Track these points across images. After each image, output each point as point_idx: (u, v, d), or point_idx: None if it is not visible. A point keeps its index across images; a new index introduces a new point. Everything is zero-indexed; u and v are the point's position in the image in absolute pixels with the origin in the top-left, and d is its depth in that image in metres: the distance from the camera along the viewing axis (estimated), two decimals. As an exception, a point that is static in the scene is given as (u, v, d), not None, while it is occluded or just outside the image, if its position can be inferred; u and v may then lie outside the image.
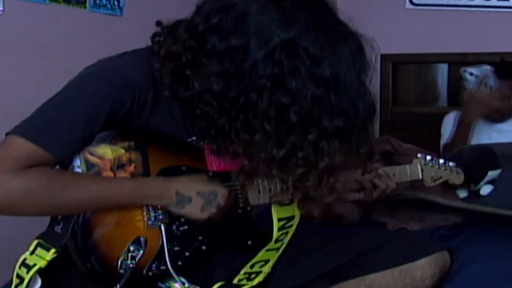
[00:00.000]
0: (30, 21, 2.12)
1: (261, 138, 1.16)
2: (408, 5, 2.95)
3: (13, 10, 2.04)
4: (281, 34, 1.13)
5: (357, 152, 1.23)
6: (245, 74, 1.14)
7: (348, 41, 1.18)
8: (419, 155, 1.86)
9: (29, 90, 2.07)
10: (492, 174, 2.13)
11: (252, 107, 1.15)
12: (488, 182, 2.17)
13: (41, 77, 2.13)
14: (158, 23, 1.30)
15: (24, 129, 1.17)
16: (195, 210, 1.27)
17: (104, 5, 2.37)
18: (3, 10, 2.01)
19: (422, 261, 1.39)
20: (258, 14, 1.15)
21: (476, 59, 2.80)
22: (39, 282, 1.23)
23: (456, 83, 2.94)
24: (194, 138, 1.33)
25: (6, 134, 1.18)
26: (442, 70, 3.00)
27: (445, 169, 1.88)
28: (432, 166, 1.86)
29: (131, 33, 2.44)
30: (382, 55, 2.78)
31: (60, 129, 1.17)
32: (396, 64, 2.97)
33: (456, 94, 2.88)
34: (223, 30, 1.15)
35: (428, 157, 1.86)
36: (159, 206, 1.27)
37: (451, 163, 1.90)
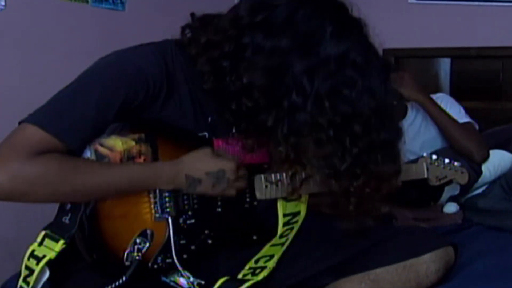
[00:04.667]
0: (32, 16, 2.12)
1: (323, 147, 1.17)
2: (411, -1, 2.95)
3: (15, 5, 2.04)
4: (335, 46, 1.16)
5: (390, 167, 1.25)
6: (290, 76, 1.15)
7: (381, 63, 1.22)
8: (424, 154, 1.86)
9: (31, 85, 2.07)
10: (449, 189, 2.14)
11: (303, 112, 1.16)
12: (453, 199, 2.20)
13: (43, 72, 2.13)
14: (192, 15, 1.31)
15: (36, 117, 1.17)
16: (207, 189, 1.29)
17: (106, 0, 2.37)
18: (4, 5, 2.00)
19: (427, 256, 1.39)
20: (308, 20, 1.17)
21: (478, 53, 2.79)
22: (47, 274, 1.24)
23: (459, 77, 2.93)
24: (205, 133, 1.33)
25: (19, 123, 1.18)
26: (445, 64, 2.99)
27: (450, 169, 1.88)
28: (437, 166, 1.85)
29: (134, 27, 2.44)
30: (384, 50, 2.76)
31: (72, 118, 1.17)
32: (398, 58, 2.97)
33: (459, 89, 2.89)
34: (270, 28, 1.16)
35: (434, 156, 1.86)
36: (170, 188, 1.28)
37: (456, 163, 1.90)
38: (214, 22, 1.24)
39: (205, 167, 1.28)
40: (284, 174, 1.38)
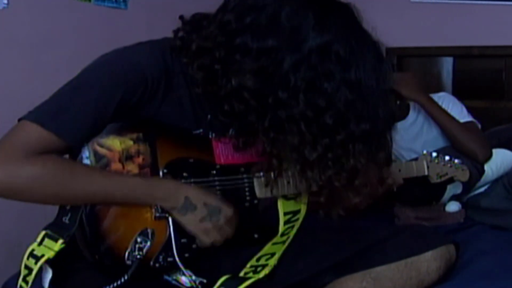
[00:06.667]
0: (34, 14, 2.12)
1: (295, 140, 1.18)
2: (413, -2, 2.94)
3: (17, 3, 2.04)
4: (316, 38, 1.16)
5: (376, 157, 1.25)
6: (279, 75, 1.16)
7: (371, 49, 1.21)
8: (425, 152, 1.87)
9: (33, 83, 2.08)
10: (452, 188, 2.14)
11: (283, 108, 1.17)
12: (456, 198, 2.20)
13: (45, 70, 2.13)
14: (181, 18, 1.31)
15: (36, 115, 1.18)
16: (195, 219, 1.28)
17: (109, -2, 2.37)
18: (7, 4, 2.01)
19: (428, 254, 1.39)
20: (292, 17, 1.17)
21: (481, 52, 2.79)
22: (50, 273, 1.24)
23: (461, 76, 2.93)
24: (201, 130, 1.34)
25: (19, 120, 1.19)
26: (447, 63, 2.98)
27: (450, 166, 1.88)
28: (438, 163, 1.86)
29: (136, 26, 2.44)
30: (387, 49, 2.77)
31: (71, 115, 1.18)
32: (401, 57, 2.96)
33: (461, 88, 2.88)
34: (256, 30, 1.17)
35: (434, 154, 1.86)
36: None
37: (456, 160, 1.90)
38: (204, 25, 1.24)
39: (205, 198, 1.29)
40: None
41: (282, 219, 1.45)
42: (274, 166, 1.26)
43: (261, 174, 1.38)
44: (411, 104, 2.38)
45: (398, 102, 2.30)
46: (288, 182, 1.40)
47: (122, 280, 1.24)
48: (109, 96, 1.20)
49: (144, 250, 1.26)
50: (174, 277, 1.34)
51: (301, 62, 1.15)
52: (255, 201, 1.41)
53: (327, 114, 1.16)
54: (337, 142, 1.18)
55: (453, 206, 2.21)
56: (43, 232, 1.25)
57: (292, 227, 1.45)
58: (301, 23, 1.16)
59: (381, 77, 1.21)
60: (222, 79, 1.20)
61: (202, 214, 1.28)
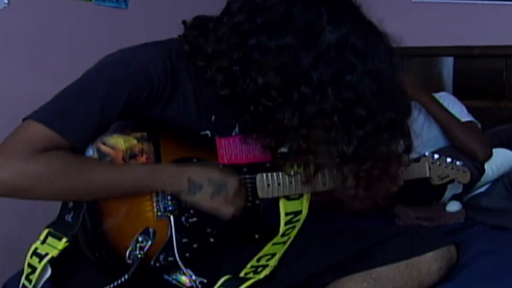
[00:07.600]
0: (35, 14, 2.12)
1: (330, 134, 1.19)
2: (413, -2, 2.94)
3: (18, 3, 2.04)
4: (333, 32, 1.17)
5: (399, 145, 1.27)
6: (300, 70, 1.17)
7: (382, 39, 1.24)
8: (426, 153, 1.86)
9: (34, 83, 2.07)
10: (452, 188, 2.14)
11: (310, 103, 1.18)
12: (456, 198, 2.20)
13: (46, 70, 2.13)
14: (183, 23, 1.32)
15: (40, 114, 1.18)
16: (205, 198, 1.29)
17: (109, -2, 2.37)
18: (8, 3, 2.01)
19: (429, 255, 1.39)
20: (305, 13, 1.18)
21: (482, 52, 2.79)
22: (48, 272, 1.24)
23: (462, 76, 2.93)
24: (208, 132, 1.34)
25: (24, 119, 1.19)
26: (448, 63, 2.98)
27: (452, 168, 1.88)
28: (439, 165, 1.85)
29: (137, 25, 2.44)
30: (387, 48, 2.77)
31: (75, 115, 1.18)
32: (401, 57, 2.95)
33: (462, 88, 2.88)
34: (271, 28, 1.18)
35: (436, 156, 1.86)
36: (169, 193, 1.29)
37: (458, 162, 1.89)
38: (211, 28, 1.25)
39: (208, 174, 1.29)
40: (286, 174, 1.38)
41: (283, 219, 1.45)
42: (309, 162, 1.26)
43: (264, 174, 1.38)
44: (412, 103, 2.37)
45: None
46: (290, 183, 1.40)
47: (123, 279, 1.24)
48: (114, 97, 1.20)
49: (145, 249, 1.26)
50: (175, 277, 1.35)
51: (321, 57, 1.17)
52: (257, 202, 1.41)
53: (358, 105, 1.18)
54: (369, 133, 1.20)
55: (453, 206, 2.21)
56: (46, 231, 1.25)
57: (293, 227, 1.45)
58: (315, 18, 1.18)
59: (395, 66, 1.24)
60: (244, 79, 1.20)
61: (210, 191, 1.28)
